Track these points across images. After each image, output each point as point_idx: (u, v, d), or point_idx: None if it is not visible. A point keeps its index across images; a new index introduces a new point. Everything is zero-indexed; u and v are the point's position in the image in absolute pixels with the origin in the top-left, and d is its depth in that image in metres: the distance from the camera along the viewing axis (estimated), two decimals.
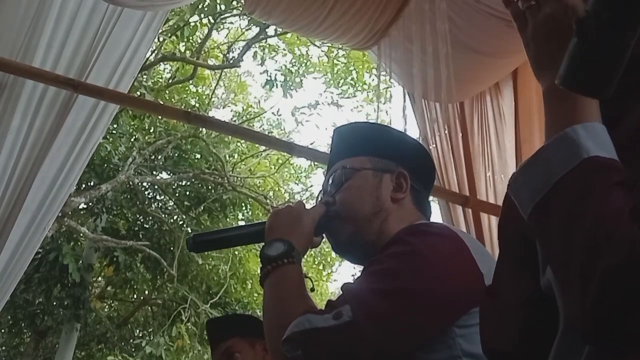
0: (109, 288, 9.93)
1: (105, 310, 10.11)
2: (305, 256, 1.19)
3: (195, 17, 8.32)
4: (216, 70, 10.05)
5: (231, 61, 9.76)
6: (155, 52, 8.54)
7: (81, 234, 8.18)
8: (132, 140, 8.72)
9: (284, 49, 10.22)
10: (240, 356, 1.98)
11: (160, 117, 8.25)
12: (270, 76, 9.86)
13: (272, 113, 11.37)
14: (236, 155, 10.21)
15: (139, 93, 7.69)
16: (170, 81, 9.76)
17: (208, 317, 8.56)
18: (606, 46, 0.62)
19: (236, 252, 9.20)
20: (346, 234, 1.18)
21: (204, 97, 10.09)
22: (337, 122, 12.28)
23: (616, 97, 0.61)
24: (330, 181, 1.25)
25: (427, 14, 2.99)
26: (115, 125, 8.15)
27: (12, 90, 2.60)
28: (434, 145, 3.22)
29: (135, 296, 10.05)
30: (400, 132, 1.34)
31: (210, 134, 9.00)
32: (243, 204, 9.78)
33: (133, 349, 9.37)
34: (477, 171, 3.26)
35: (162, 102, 8.07)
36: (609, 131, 0.64)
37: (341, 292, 1.03)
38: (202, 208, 9.26)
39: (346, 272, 13.38)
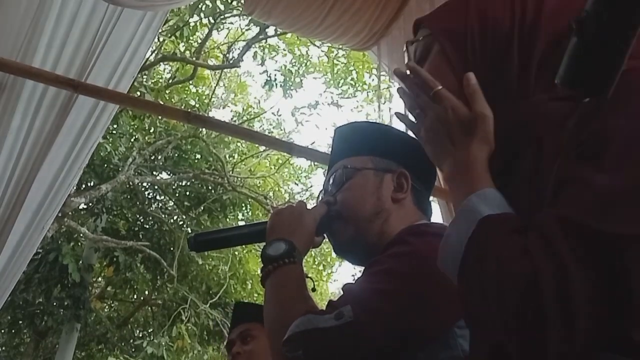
0: (109, 288, 9.93)
1: (105, 310, 10.11)
2: (305, 256, 1.19)
3: (195, 17, 8.32)
4: (216, 71, 10.05)
5: (231, 61, 9.76)
6: (155, 52, 8.54)
7: (81, 234, 8.17)
8: (132, 140, 8.71)
9: (284, 49, 10.22)
10: (255, 341, 2.06)
11: (160, 117, 8.25)
12: (270, 76, 9.87)
13: (272, 113, 11.39)
14: (236, 156, 10.21)
15: (138, 93, 7.69)
16: (170, 81, 9.76)
17: (208, 317, 8.56)
18: (606, 46, 0.62)
19: (236, 252, 9.19)
20: (347, 235, 1.18)
21: (204, 97, 10.09)
22: (337, 122, 12.29)
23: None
24: (331, 181, 1.25)
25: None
26: (115, 126, 8.15)
27: (12, 90, 2.60)
28: None
29: (135, 296, 10.05)
30: (401, 131, 1.34)
31: (210, 134, 9.00)
32: (243, 204, 9.78)
33: (133, 350, 9.37)
34: None
35: (162, 102, 8.06)
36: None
37: (342, 293, 1.03)
38: (202, 208, 9.26)
39: (346, 272, 13.40)
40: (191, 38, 8.95)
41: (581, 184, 0.62)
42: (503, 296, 0.61)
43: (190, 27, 8.52)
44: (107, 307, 10.32)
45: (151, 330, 9.59)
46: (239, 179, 9.69)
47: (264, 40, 9.74)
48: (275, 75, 9.93)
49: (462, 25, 0.84)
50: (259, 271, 1.15)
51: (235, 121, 10.02)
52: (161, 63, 9.35)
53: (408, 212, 1.19)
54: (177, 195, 9.75)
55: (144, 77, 8.54)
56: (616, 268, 0.57)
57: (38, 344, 8.97)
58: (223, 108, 11.44)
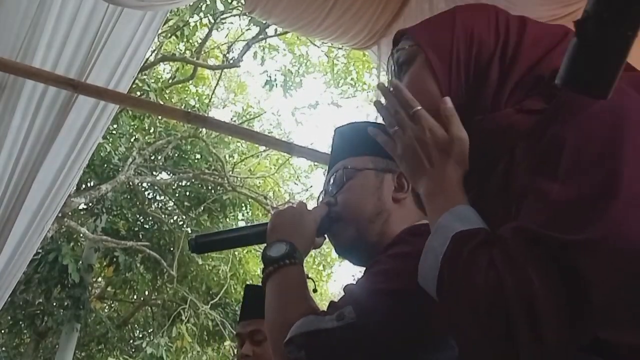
0: (109, 288, 9.93)
1: (105, 310, 10.10)
2: (306, 257, 1.19)
3: (195, 17, 8.32)
4: (216, 71, 10.05)
5: (231, 61, 9.76)
6: (155, 52, 8.54)
7: (81, 235, 8.17)
8: (132, 140, 8.71)
9: (284, 49, 10.22)
10: (266, 343, 1.89)
11: (160, 117, 8.25)
12: (270, 76, 9.87)
13: (272, 113, 11.40)
14: (236, 156, 10.21)
15: (139, 93, 7.69)
16: (170, 81, 9.76)
17: (208, 317, 8.56)
18: (606, 46, 0.62)
19: (236, 253, 9.19)
20: (348, 236, 1.18)
21: (204, 97, 10.08)
22: (337, 122, 12.29)
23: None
24: (331, 181, 1.25)
25: (427, 14, 2.98)
26: (115, 126, 8.15)
27: (12, 90, 2.60)
28: None
29: (135, 297, 10.05)
30: None
31: (210, 134, 9.00)
32: (243, 205, 9.77)
33: (133, 350, 9.37)
34: None
35: (162, 102, 8.06)
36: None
37: (343, 293, 1.03)
38: (202, 208, 9.26)
39: (346, 272, 13.39)
40: (191, 38, 8.95)
41: (538, 194, 0.67)
42: (474, 308, 0.65)
43: (190, 27, 8.52)
44: (107, 307, 10.32)
45: (151, 330, 9.59)
46: (239, 179, 9.69)
47: (264, 40, 9.74)
48: (275, 75, 9.95)
49: (448, 38, 0.88)
50: (259, 272, 1.15)
51: (235, 121, 10.01)
52: (161, 63, 9.35)
53: (409, 212, 1.18)
54: (177, 195, 9.75)
55: (145, 77, 8.54)
56: (573, 272, 0.60)
57: (38, 344, 8.97)
58: (223, 108, 11.46)
